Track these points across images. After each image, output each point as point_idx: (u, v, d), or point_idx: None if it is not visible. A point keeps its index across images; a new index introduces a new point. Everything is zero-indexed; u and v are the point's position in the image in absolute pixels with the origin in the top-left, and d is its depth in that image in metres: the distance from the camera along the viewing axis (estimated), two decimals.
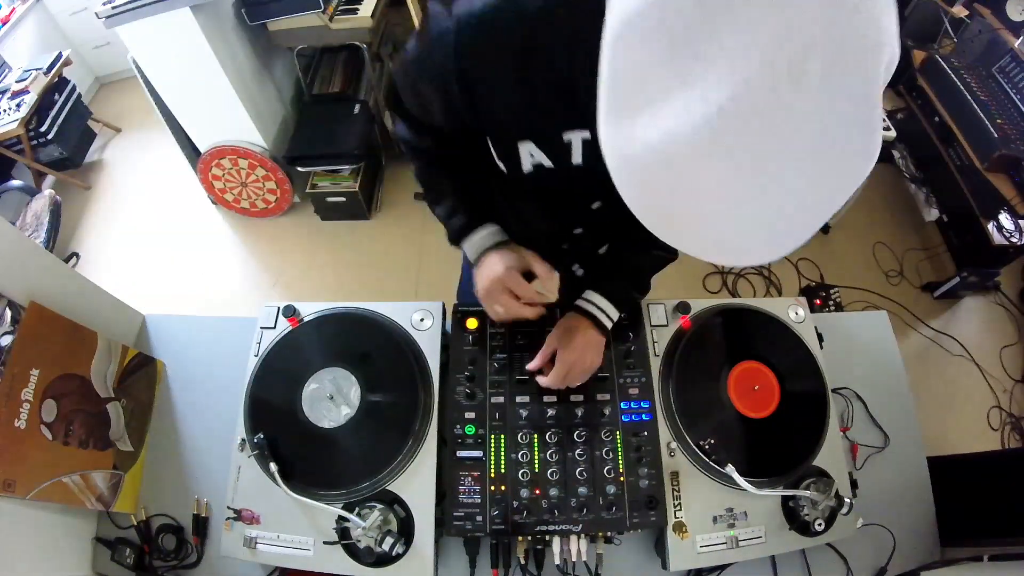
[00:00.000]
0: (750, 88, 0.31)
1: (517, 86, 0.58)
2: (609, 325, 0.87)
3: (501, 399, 0.88)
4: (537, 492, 0.83)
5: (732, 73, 0.31)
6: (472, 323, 0.94)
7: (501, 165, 0.71)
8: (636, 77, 0.35)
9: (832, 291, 2.34)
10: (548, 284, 0.77)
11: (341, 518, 0.79)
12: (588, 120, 0.42)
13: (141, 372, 1.00)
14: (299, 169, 2.44)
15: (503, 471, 0.84)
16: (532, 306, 0.78)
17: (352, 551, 0.80)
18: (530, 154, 0.66)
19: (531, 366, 0.88)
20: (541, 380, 0.87)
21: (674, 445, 0.87)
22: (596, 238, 0.89)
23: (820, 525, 0.84)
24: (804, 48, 0.30)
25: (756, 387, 0.91)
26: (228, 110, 2.18)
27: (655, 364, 0.93)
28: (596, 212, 0.76)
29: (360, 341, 0.95)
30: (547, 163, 0.66)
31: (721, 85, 0.31)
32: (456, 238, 0.84)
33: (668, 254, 0.88)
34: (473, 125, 0.66)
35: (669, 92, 0.33)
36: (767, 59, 0.30)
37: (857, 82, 0.32)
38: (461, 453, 0.85)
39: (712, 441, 0.86)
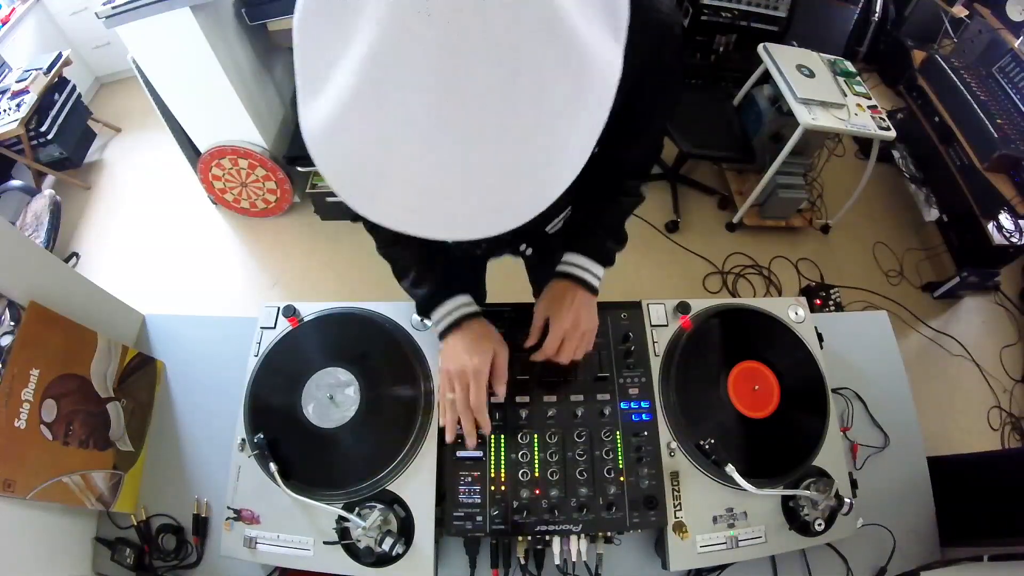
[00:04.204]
0: (394, 21, 0.31)
1: None
2: (596, 284, 0.84)
3: (501, 399, 0.88)
4: (537, 492, 0.83)
5: (377, 10, 0.31)
6: None
7: None
8: (314, 54, 0.36)
9: (832, 291, 2.34)
10: (499, 388, 0.81)
11: (341, 518, 0.79)
12: None
13: (141, 372, 1.00)
14: (299, 169, 2.44)
15: (503, 471, 0.84)
16: (473, 424, 0.79)
17: (352, 551, 0.80)
18: None
19: (527, 344, 0.86)
20: (538, 356, 0.83)
21: (674, 445, 0.87)
22: None
23: (820, 525, 0.84)
24: None
25: (756, 387, 0.91)
26: (228, 110, 2.18)
27: (655, 364, 0.93)
28: None
29: (360, 341, 0.95)
30: None
31: (371, 28, 0.32)
32: (425, 308, 0.83)
33: (633, 197, 0.86)
34: None
35: (338, 58, 0.34)
36: None
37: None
38: (461, 453, 0.85)
39: (712, 441, 0.86)
